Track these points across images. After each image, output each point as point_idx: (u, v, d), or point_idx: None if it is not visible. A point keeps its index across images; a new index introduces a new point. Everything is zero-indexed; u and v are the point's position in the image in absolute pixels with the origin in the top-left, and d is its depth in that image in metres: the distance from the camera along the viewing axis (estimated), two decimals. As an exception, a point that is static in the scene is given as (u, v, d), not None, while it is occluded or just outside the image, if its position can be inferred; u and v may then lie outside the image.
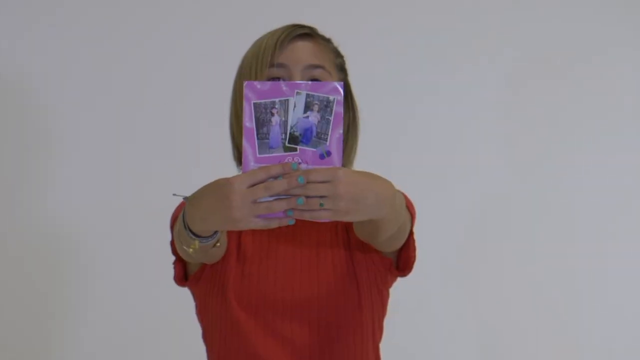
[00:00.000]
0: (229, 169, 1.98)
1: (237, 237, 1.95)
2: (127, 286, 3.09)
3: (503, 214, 3.34)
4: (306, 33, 1.93)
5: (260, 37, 1.96)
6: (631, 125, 3.40)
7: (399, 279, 1.99)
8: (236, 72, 1.99)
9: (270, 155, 1.60)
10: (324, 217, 1.58)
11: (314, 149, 1.62)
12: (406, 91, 3.29)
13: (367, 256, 1.96)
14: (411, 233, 1.92)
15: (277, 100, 1.59)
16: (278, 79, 1.90)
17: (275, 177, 1.56)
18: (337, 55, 2.03)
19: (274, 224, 1.58)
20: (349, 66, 2.03)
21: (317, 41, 1.96)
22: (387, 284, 1.99)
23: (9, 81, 3.12)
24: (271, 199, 1.55)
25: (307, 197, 1.56)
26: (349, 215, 1.57)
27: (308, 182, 1.55)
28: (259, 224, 1.58)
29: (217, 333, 1.96)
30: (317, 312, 1.95)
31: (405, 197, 1.88)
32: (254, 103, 1.59)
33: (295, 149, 1.60)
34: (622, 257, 3.37)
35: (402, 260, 1.96)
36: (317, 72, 1.91)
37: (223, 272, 1.93)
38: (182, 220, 1.69)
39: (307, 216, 1.57)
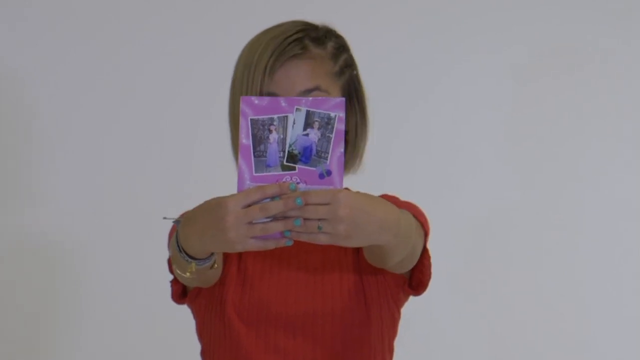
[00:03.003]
0: (225, 171, 1.97)
1: (237, 258, 1.94)
2: (122, 290, 3.12)
3: (507, 219, 3.37)
4: (297, 53, 1.85)
5: (251, 47, 1.89)
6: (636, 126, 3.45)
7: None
8: (231, 80, 1.93)
9: (268, 174, 1.58)
10: (322, 240, 1.55)
11: (314, 168, 1.59)
12: (406, 90, 3.30)
13: (378, 274, 1.94)
14: (425, 250, 1.90)
15: (275, 116, 1.56)
16: None
17: (272, 198, 1.54)
18: (336, 58, 1.94)
19: (271, 245, 1.57)
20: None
21: (310, 56, 1.88)
22: (399, 302, 1.98)
23: None
24: (267, 220, 1.53)
25: (306, 219, 1.54)
26: (349, 240, 1.55)
27: (306, 204, 1.54)
28: (255, 245, 1.56)
29: (217, 349, 1.96)
30: (321, 327, 1.93)
31: (416, 210, 1.89)
32: (251, 119, 1.57)
33: (294, 168, 1.58)
34: (629, 261, 3.42)
35: (416, 278, 1.93)
36: (312, 95, 1.85)
37: (222, 286, 1.91)
38: (175, 244, 1.67)
39: (304, 238, 1.55)
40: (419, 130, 3.31)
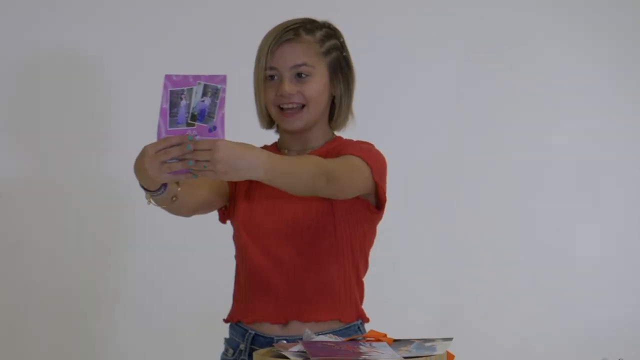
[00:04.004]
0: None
1: (245, 189, 2.38)
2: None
3: (455, 168, 3.80)
4: (290, 38, 2.31)
5: (264, 37, 2.35)
6: (558, 99, 3.91)
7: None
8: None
9: (177, 129, 2.00)
10: (209, 176, 1.99)
11: (206, 125, 2.01)
12: (382, 72, 3.69)
13: (348, 199, 2.33)
14: (375, 182, 2.30)
15: (185, 89, 2.00)
16: (272, 77, 2.32)
17: (176, 145, 1.98)
18: (323, 42, 2.36)
19: (182, 178, 2.02)
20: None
21: (301, 40, 2.32)
22: (368, 218, 2.37)
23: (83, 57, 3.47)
24: (174, 161, 1.98)
25: (196, 160, 1.97)
26: (226, 175, 1.98)
27: (195, 150, 1.96)
28: (168, 177, 2.01)
29: (236, 255, 2.42)
30: (300, 237, 2.33)
31: (366, 154, 2.30)
32: (170, 90, 2.01)
33: (194, 125, 2.00)
34: (549, 204, 3.90)
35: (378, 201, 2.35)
36: (302, 69, 2.32)
37: (234, 208, 2.38)
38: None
39: (199, 174, 1.99)
40: (392, 101, 3.76)
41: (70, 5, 3.46)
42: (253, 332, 2.32)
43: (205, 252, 3.27)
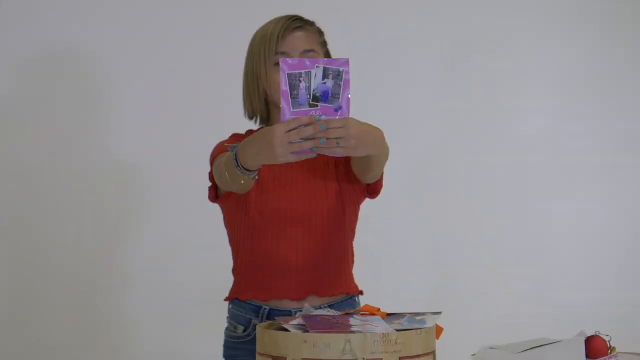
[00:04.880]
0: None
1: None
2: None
3: (444, 156, 3.95)
4: (299, 26, 2.40)
5: (265, 27, 2.43)
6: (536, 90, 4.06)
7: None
8: (247, 52, 2.45)
9: (300, 110, 2.04)
10: (339, 153, 2.05)
11: (331, 105, 2.06)
12: (375, 67, 3.84)
13: (350, 183, 2.46)
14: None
15: (303, 71, 2.04)
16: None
17: (305, 125, 2.03)
18: (320, 34, 2.48)
19: (303, 158, 2.06)
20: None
21: (307, 30, 2.43)
22: (360, 202, 2.51)
23: (83, 50, 3.63)
24: (302, 140, 2.02)
25: (328, 138, 2.03)
26: (357, 150, 2.06)
27: (328, 128, 2.03)
28: (292, 158, 2.05)
29: (242, 237, 2.46)
30: (314, 221, 2.43)
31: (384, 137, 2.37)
32: (288, 73, 2.04)
33: (317, 106, 2.04)
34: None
35: (373, 187, 2.46)
36: (310, 55, 2.40)
37: (248, 196, 2.40)
38: (234, 160, 2.18)
39: (326, 152, 2.04)
40: (382, 94, 3.88)
41: (76, 6, 3.59)
42: (268, 308, 2.42)
43: (212, 234, 3.21)
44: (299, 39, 2.42)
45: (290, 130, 2.04)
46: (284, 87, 2.05)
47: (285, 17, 2.44)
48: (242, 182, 2.23)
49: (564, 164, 4.07)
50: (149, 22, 3.69)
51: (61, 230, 3.59)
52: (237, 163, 2.18)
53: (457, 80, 3.99)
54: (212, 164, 2.43)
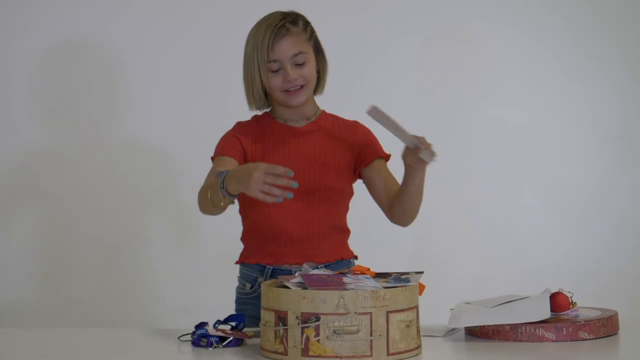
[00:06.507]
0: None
1: (262, 149, 2.53)
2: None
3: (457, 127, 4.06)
4: (284, 33, 2.48)
5: (256, 32, 2.51)
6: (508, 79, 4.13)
7: None
8: (243, 51, 2.55)
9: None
10: (434, 157, 2.31)
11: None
12: (360, 57, 3.96)
13: (352, 166, 2.60)
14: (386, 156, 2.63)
15: None
16: (274, 68, 2.48)
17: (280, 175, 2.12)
18: (306, 29, 2.54)
19: (269, 200, 2.14)
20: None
21: (293, 33, 2.50)
22: (355, 181, 2.66)
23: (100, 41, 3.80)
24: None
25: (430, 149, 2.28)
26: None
27: (426, 144, 2.31)
28: (260, 195, 2.14)
29: (248, 208, 2.58)
30: (319, 193, 2.55)
31: (381, 147, 2.64)
32: None
33: None
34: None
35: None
36: (299, 58, 2.51)
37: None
38: (221, 183, 2.26)
39: (429, 159, 2.29)
40: (370, 79, 3.99)
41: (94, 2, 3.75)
42: (271, 268, 2.55)
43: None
44: (286, 46, 2.50)
45: (270, 174, 2.14)
46: None
47: (273, 23, 2.50)
48: (222, 203, 2.31)
49: (531, 141, 4.12)
50: (168, 11, 3.82)
51: (91, 200, 3.80)
52: (223, 185, 2.27)
53: (433, 68, 4.06)
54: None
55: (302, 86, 2.56)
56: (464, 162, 4.06)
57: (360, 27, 3.88)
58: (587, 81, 4.15)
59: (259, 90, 2.54)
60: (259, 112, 2.65)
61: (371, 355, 2.08)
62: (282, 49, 2.50)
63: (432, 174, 3.77)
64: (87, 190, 3.83)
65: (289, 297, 2.10)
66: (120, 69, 3.87)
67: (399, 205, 2.54)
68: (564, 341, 2.30)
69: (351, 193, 2.67)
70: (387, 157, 2.65)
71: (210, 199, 2.32)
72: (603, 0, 4.15)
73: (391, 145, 2.60)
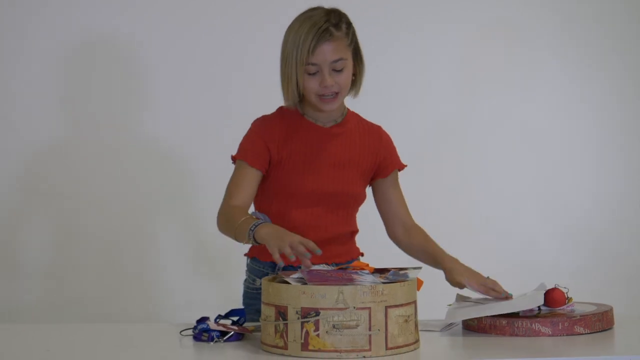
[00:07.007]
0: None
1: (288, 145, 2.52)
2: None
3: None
4: (327, 38, 2.42)
5: (299, 29, 2.44)
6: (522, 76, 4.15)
7: None
8: (281, 45, 2.50)
9: None
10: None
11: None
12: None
13: (370, 179, 2.63)
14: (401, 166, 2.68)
15: None
16: (312, 71, 2.44)
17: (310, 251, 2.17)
18: (348, 35, 2.47)
19: (280, 262, 2.19)
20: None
21: (334, 39, 2.43)
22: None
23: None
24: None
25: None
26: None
27: (498, 290, 2.40)
28: (277, 259, 2.18)
29: (266, 208, 2.57)
30: (339, 201, 2.57)
31: (399, 159, 2.66)
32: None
33: None
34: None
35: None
36: (338, 64, 2.45)
37: (277, 175, 2.52)
38: (250, 232, 2.29)
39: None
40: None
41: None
42: (282, 264, 2.46)
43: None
44: (327, 51, 2.44)
45: (298, 243, 2.18)
46: None
47: (316, 24, 2.44)
48: (243, 242, 2.36)
49: (530, 140, 4.15)
50: (171, 10, 3.82)
51: (97, 198, 3.79)
52: (253, 228, 2.31)
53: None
54: (239, 154, 2.56)
55: (336, 93, 2.52)
56: (462, 160, 4.08)
57: (360, 27, 3.67)
58: (587, 81, 4.17)
59: (294, 88, 2.49)
60: (292, 106, 2.60)
61: (370, 350, 2.10)
62: (322, 54, 2.45)
63: (432, 173, 3.92)
64: (93, 187, 3.84)
65: (289, 292, 2.12)
66: (127, 68, 3.88)
67: (409, 251, 2.65)
68: (560, 335, 2.32)
69: (365, 197, 2.69)
70: (402, 168, 2.67)
71: (235, 235, 2.35)
72: (603, 0, 4.16)
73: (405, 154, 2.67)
